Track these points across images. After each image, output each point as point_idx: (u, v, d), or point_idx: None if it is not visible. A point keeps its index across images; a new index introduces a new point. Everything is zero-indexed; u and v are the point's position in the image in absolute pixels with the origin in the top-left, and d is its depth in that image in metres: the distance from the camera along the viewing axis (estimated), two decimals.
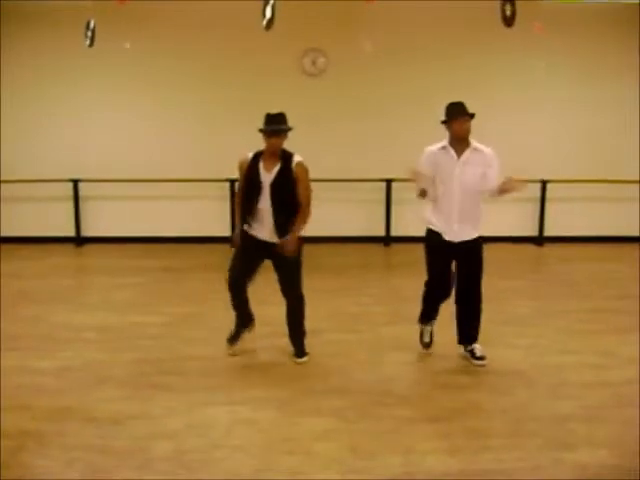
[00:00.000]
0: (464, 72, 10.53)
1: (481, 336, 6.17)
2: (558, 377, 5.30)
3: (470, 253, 5.60)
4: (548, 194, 10.78)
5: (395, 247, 10.65)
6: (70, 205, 10.59)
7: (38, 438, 4.28)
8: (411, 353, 5.81)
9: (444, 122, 5.44)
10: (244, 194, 5.47)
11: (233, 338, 5.73)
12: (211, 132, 10.47)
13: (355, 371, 5.41)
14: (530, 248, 10.75)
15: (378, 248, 10.64)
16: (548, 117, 10.78)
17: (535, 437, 4.29)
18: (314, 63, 10.51)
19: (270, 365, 5.49)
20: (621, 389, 5.03)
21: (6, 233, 10.65)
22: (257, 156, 5.41)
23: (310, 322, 5.70)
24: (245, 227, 5.52)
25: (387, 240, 10.83)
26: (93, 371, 5.39)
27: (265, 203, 5.36)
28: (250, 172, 5.39)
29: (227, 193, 10.45)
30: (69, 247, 10.49)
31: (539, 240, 10.91)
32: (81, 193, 10.49)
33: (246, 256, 5.51)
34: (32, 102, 10.56)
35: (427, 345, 5.84)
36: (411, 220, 10.79)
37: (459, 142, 5.42)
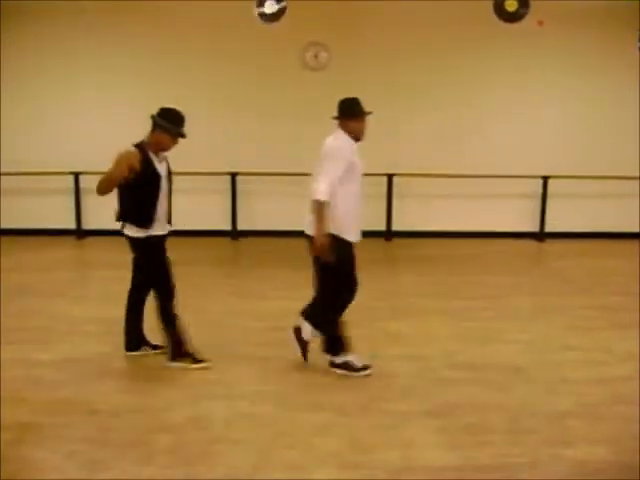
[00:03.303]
0: (466, 68, 10.56)
1: (480, 332, 6.20)
2: (557, 373, 5.30)
3: None
4: (549, 190, 10.78)
5: (396, 242, 10.66)
6: (71, 198, 10.61)
7: (38, 431, 4.28)
8: (410, 348, 5.81)
9: (342, 117, 5.08)
10: (143, 192, 5.15)
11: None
12: (213, 126, 10.46)
13: None
14: (531, 244, 10.75)
15: (379, 242, 10.65)
16: (550, 113, 10.78)
17: (534, 433, 4.29)
18: (316, 57, 10.50)
19: (269, 359, 5.48)
20: (620, 386, 5.04)
21: (7, 225, 10.67)
22: (144, 149, 5.13)
23: None
24: (143, 231, 5.21)
25: (388, 234, 10.84)
26: (93, 364, 5.39)
27: (163, 196, 5.26)
28: (145, 165, 5.08)
29: (229, 186, 10.47)
30: (70, 240, 10.50)
31: (540, 236, 10.92)
32: (82, 186, 10.51)
33: (164, 258, 5.39)
34: (33, 95, 10.58)
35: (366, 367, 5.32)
36: (412, 215, 10.88)
37: (357, 139, 5.11)
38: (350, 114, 5.06)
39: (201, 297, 7.24)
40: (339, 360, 5.28)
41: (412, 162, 10.60)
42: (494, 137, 10.77)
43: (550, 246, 10.65)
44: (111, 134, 10.58)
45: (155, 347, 5.61)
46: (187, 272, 8.43)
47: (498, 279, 8.34)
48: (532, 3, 8.35)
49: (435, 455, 4.01)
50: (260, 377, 5.18)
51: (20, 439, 4.15)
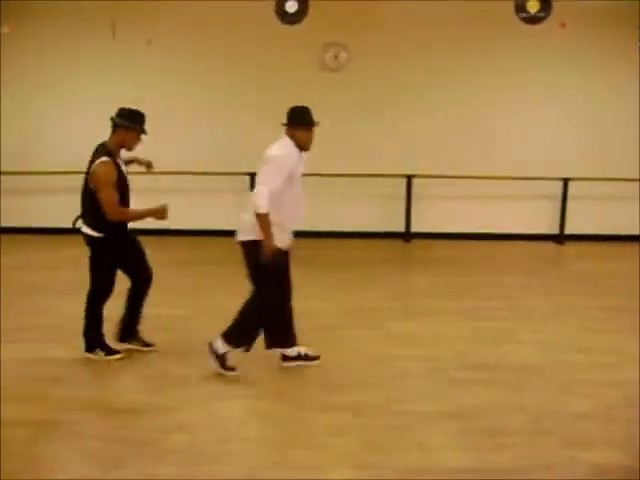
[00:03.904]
0: (487, 68, 10.53)
1: (495, 332, 6.17)
2: (571, 374, 5.27)
3: None
4: (570, 192, 10.70)
5: (415, 243, 10.64)
6: (77, 197, 10.63)
7: (54, 428, 4.31)
8: (425, 348, 5.79)
9: (291, 125, 5.02)
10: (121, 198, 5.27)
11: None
12: (229, 126, 10.47)
13: (371, 366, 5.40)
14: (550, 246, 10.69)
15: (398, 244, 10.62)
16: (571, 115, 10.70)
17: (550, 435, 4.27)
18: (336, 57, 10.48)
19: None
20: (633, 388, 4.98)
21: (18, 224, 10.71)
22: (111, 156, 5.23)
23: (326, 317, 5.70)
24: (107, 234, 5.32)
25: (407, 236, 10.81)
26: (108, 363, 5.41)
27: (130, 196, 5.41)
28: (121, 174, 5.27)
29: (245, 186, 10.47)
30: (77, 239, 10.49)
31: (559, 238, 10.84)
32: None
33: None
34: (44, 94, 10.64)
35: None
36: (431, 216, 10.84)
37: (303, 149, 5.05)
38: (299, 123, 5.00)
39: (214, 297, 7.24)
40: (293, 353, 5.30)
41: (432, 163, 10.56)
42: (514, 138, 10.71)
43: (569, 248, 10.58)
44: None
45: (146, 344, 5.69)
46: (199, 271, 8.48)
47: (514, 280, 8.30)
48: (555, 2, 8.32)
49: (451, 456, 4.00)
50: (275, 377, 5.19)
51: (37, 436, 4.18)
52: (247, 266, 5.12)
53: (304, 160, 5.13)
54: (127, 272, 5.54)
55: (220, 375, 5.13)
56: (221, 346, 5.08)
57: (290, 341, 5.35)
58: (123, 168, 5.33)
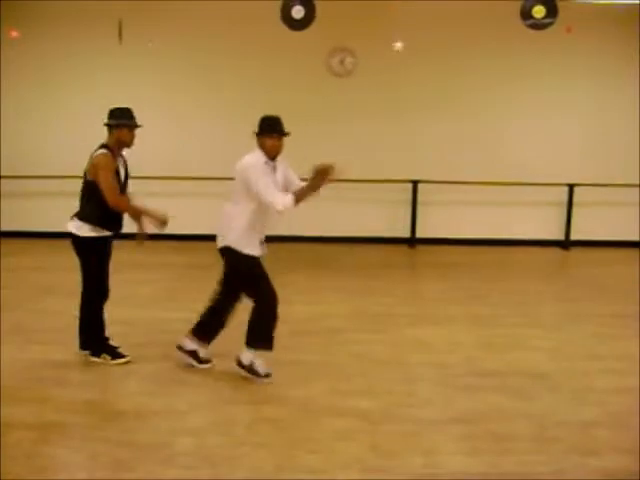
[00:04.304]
0: (492, 73, 10.53)
1: (505, 339, 6.17)
2: (582, 381, 5.25)
3: None
4: (575, 198, 10.69)
5: (420, 248, 10.63)
6: None
7: (62, 430, 4.32)
8: (434, 354, 5.78)
9: (259, 134, 5.18)
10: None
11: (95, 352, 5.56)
12: (236, 130, 10.43)
13: (378, 371, 5.40)
14: (556, 252, 10.67)
15: (403, 249, 10.62)
16: (577, 121, 10.70)
17: (559, 441, 4.25)
18: (342, 63, 10.49)
19: (293, 364, 5.47)
20: None
21: (32, 227, 10.75)
22: (111, 152, 5.32)
23: (334, 322, 5.69)
24: (97, 230, 5.38)
25: (412, 241, 10.80)
26: (118, 365, 5.42)
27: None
28: (118, 173, 5.37)
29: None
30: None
31: (565, 244, 10.82)
32: None
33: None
34: (48, 97, 10.62)
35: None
36: (437, 222, 10.84)
37: (271, 157, 5.16)
38: (266, 131, 5.11)
39: None
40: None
41: (437, 169, 10.55)
42: (519, 144, 10.70)
43: (575, 254, 10.55)
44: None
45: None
46: (208, 276, 8.43)
47: (522, 286, 8.29)
48: (560, 7, 8.30)
49: (458, 462, 3.99)
50: (283, 381, 5.17)
51: (44, 438, 4.18)
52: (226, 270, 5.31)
53: (281, 169, 5.23)
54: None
55: (226, 379, 5.15)
56: (246, 357, 5.17)
57: (208, 340, 5.47)
58: (121, 170, 5.40)
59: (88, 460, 3.96)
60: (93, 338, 5.50)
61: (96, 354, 5.47)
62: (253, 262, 5.14)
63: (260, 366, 5.15)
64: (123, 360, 5.46)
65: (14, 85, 10.58)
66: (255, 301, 5.15)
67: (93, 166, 5.26)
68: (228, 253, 5.14)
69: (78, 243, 5.40)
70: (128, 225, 5.49)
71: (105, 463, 3.91)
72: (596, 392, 5.04)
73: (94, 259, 5.44)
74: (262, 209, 5.06)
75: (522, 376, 5.34)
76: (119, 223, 5.47)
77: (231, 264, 5.21)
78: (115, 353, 5.49)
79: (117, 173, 5.32)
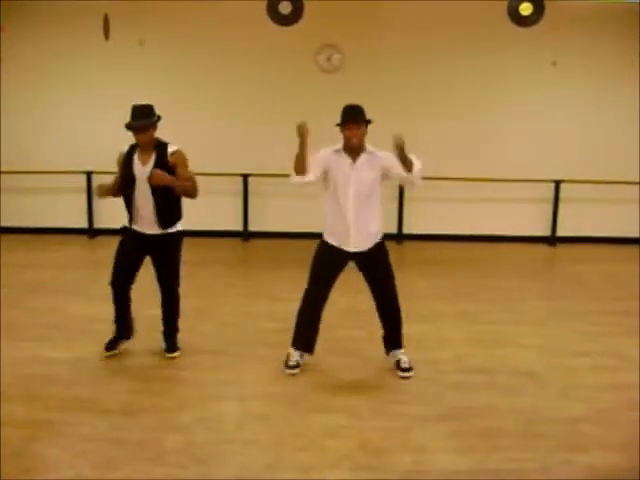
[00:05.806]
0: (479, 71, 10.53)
1: (493, 336, 6.20)
2: (570, 378, 5.28)
3: (373, 260, 5.46)
4: (561, 194, 10.74)
5: (407, 244, 10.63)
6: (83, 197, 10.65)
7: (51, 428, 4.30)
8: (422, 351, 5.79)
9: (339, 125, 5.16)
10: (120, 188, 5.37)
11: (110, 345, 5.60)
12: (225, 127, 10.46)
13: (367, 368, 5.41)
14: (542, 248, 10.70)
15: (390, 245, 10.54)
16: (562, 118, 10.72)
17: (546, 438, 4.28)
18: (329, 60, 10.48)
19: (282, 361, 5.45)
20: (633, 392, 5.01)
21: (20, 224, 10.70)
22: (132, 149, 5.28)
23: (323, 318, 5.66)
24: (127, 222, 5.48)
25: (399, 238, 10.81)
26: (106, 363, 5.41)
27: (142, 197, 5.27)
28: (124, 166, 5.27)
29: (241, 188, 10.48)
30: (82, 238, 10.54)
31: (552, 240, 10.87)
32: (94, 185, 10.53)
33: (128, 251, 5.55)
34: (48, 94, 10.58)
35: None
36: (424, 218, 10.85)
37: (352, 149, 5.16)
38: (341, 122, 5.27)
39: (212, 298, 7.24)
40: None
41: (424, 165, 10.54)
42: (506, 141, 10.73)
43: (562, 250, 10.59)
44: (125, 135, 10.64)
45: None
46: (198, 273, 8.46)
47: (510, 283, 8.31)
48: (547, 5, 8.31)
49: (447, 459, 4.01)
50: (272, 378, 5.18)
51: (33, 436, 4.18)
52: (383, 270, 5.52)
53: (374, 163, 5.44)
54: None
55: (215, 376, 5.17)
56: (405, 358, 5.38)
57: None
58: (135, 168, 5.24)
59: (76, 458, 3.95)
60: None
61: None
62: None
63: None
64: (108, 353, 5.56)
65: (12, 81, 10.53)
66: (395, 298, 5.44)
67: (176, 156, 5.35)
68: (379, 249, 5.48)
69: (168, 240, 5.52)
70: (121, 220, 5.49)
71: (93, 461, 3.91)
72: (584, 389, 5.07)
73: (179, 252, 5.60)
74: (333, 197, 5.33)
75: (510, 373, 5.36)
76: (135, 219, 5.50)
77: (386, 257, 5.53)
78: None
79: (128, 174, 5.24)
